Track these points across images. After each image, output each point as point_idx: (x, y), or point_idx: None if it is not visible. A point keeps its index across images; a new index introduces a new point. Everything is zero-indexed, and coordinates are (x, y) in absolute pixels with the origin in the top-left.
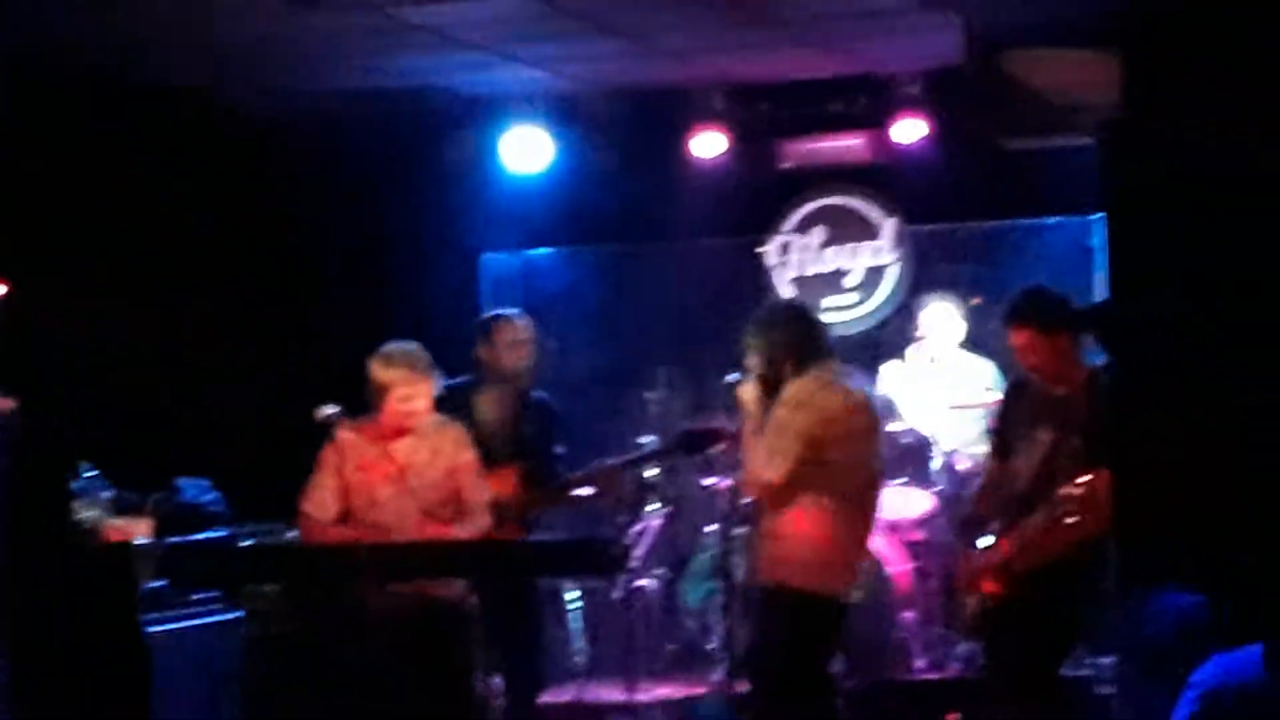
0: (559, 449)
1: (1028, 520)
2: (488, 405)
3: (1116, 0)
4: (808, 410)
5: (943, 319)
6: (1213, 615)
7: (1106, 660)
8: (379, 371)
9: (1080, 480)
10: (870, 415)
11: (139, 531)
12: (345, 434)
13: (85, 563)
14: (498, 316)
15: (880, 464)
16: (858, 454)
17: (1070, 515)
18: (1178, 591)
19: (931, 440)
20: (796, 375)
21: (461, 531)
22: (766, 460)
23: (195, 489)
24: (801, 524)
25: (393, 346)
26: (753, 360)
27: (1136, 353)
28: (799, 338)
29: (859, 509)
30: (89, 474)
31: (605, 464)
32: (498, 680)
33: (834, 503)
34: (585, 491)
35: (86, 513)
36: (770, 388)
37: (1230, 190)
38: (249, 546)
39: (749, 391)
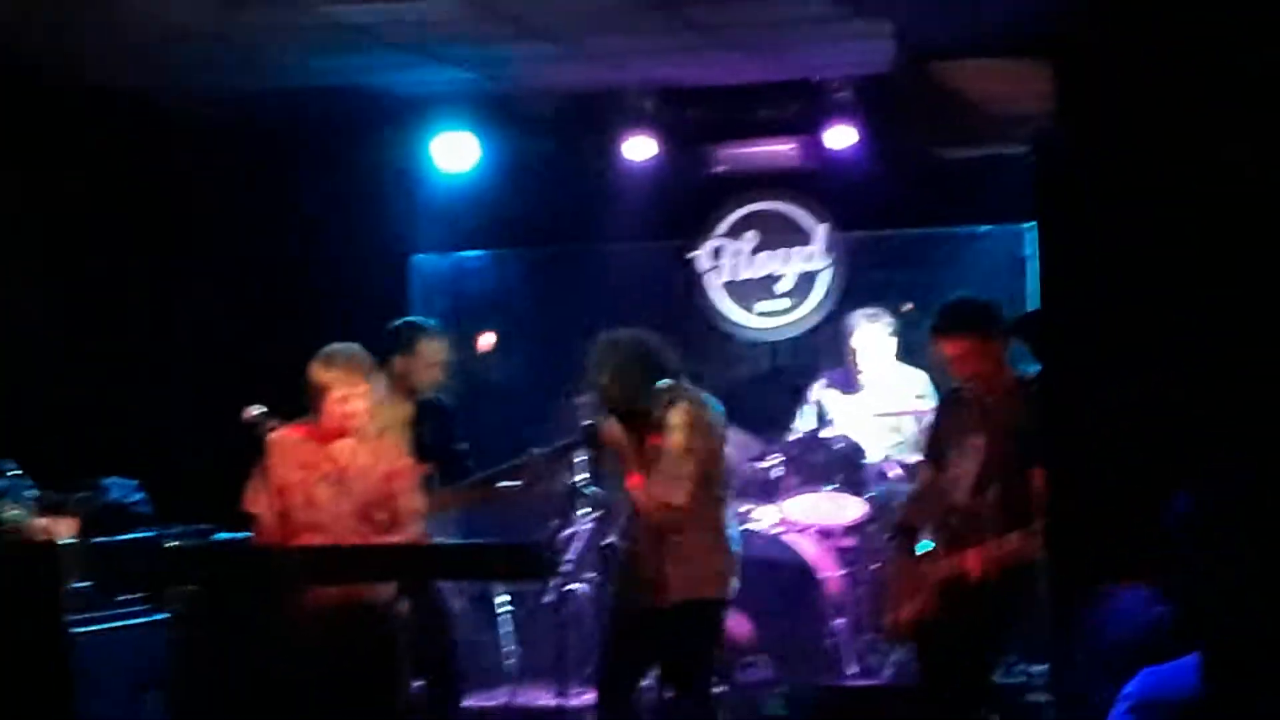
0: (461, 446)
1: (988, 545)
2: (388, 407)
3: (1048, 10)
4: (698, 431)
5: (872, 335)
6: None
7: (1039, 668)
8: (319, 372)
9: (1037, 524)
10: (723, 423)
11: (63, 531)
12: (285, 434)
13: (9, 562)
14: (422, 329)
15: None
16: (728, 462)
17: (1031, 555)
18: (1127, 591)
19: (862, 448)
20: (661, 399)
21: (395, 538)
22: (670, 486)
23: (121, 489)
24: (706, 538)
25: (334, 347)
26: (605, 393)
27: (1068, 360)
28: (651, 365)
29: (726, 512)
30: (12, 472)
31: (518, 460)
32: (418, 685)
33: (721, 510)
34: (506, 484)
35: (10, 511)
36: (628, 416)
37: (1160, 199)
38: (175, 547)
39: (613, 428)
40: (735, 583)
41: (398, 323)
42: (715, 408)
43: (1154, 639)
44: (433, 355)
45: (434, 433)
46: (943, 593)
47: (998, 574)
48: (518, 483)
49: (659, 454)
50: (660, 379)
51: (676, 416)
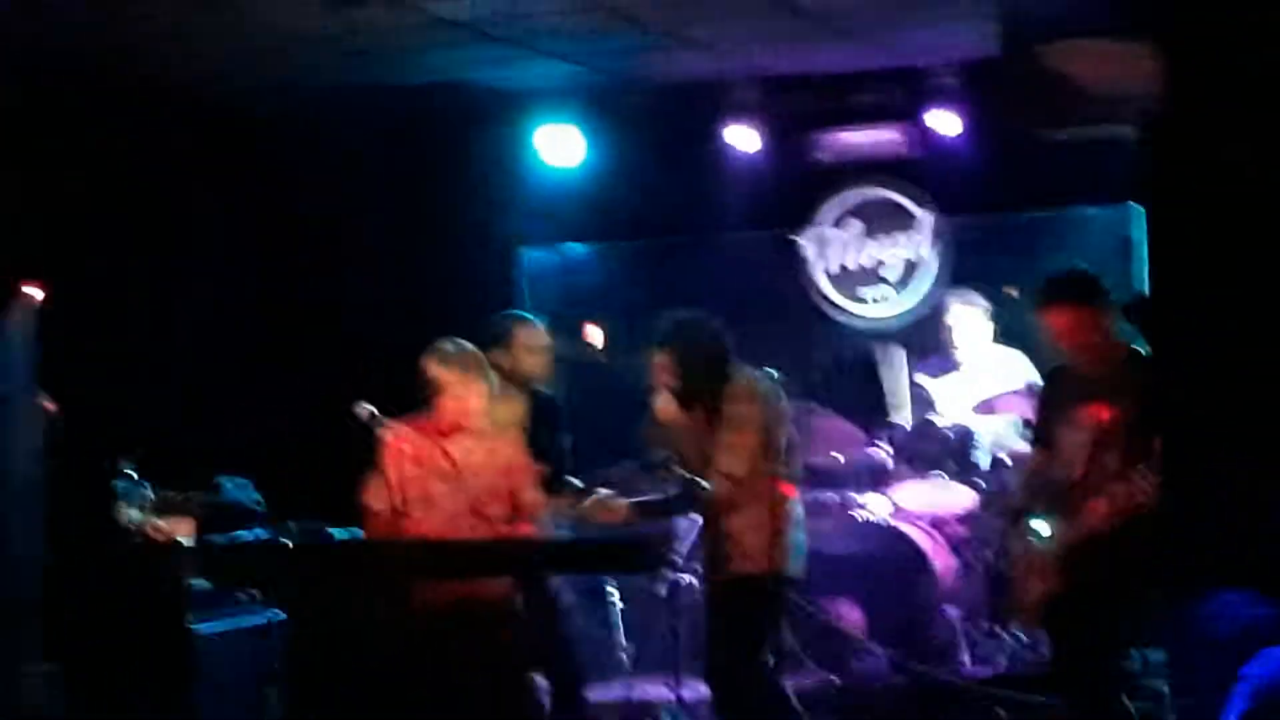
0: (565, 442)
1: (1090, 506)
2: (502, 412)
3: None
4: (755, 405)
5: (971, 317)
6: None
7: (1157, 653)
8: (435, 369)
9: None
10: (785, 400)
11: (181, 531)
12: (401, 430)
13: (128, 563)
14: (514, 318)
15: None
16: (789, 438)
17: (1137, 495)
18: (1230, 591)
19: (973, 433)
20: (716, 379)
21: (523, 531)
22: (731, 455)
23: (237, 488)
24: (763, 514)
25: (448, 344)
26: (665, 375)
27: (1178, 345)
28: (712, 346)
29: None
30: (131, 474)
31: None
32: (539, 679)
33: (780, 486)
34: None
35: (129, 513)
36: (687, 399)
37: (1271, 178)
38: (290, 545)
39: (668, 406)
40: (795, 561)
41: (492, 317)
42: (773, 385)
43: (1256, 640)
44: (530, 343)
45: (548, 433)
46: (1065, 568)
47: (1118, 536)
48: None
49: (718, 431)
50: (720, 361)
51: (736, 389)
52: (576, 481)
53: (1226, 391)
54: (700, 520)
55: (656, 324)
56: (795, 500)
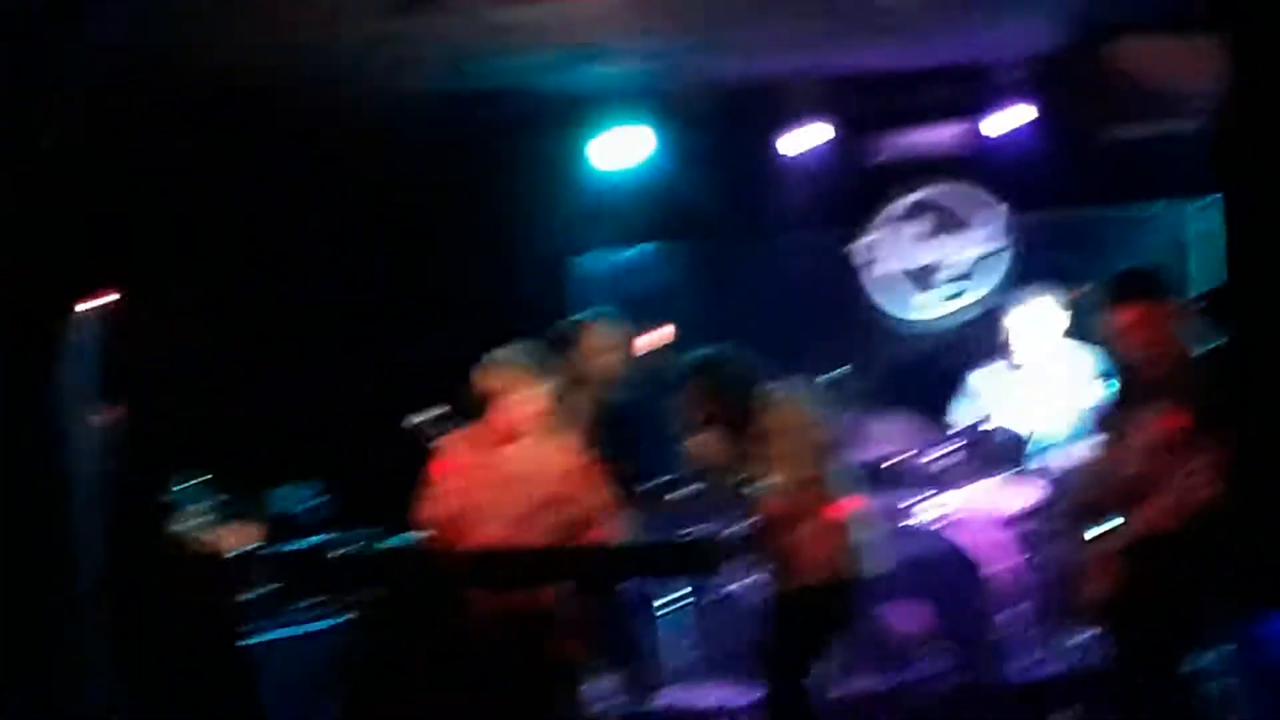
0: (637, 455)
1: (1155, 499)
2: (573, 411)
3: None
4: (794, 415)
5: (1042, 313)
6: None
7: (1216, 655)
8: (485, 380)
9: (1207, 458)
10: (816, 408)
11: (244, 539)
12: (455, 439)
13: (193, 571)
14: (581, 321)
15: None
16: (827, 441)
17: (1198, 490)
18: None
19: (1028, 435)
20: (749, 406)
21: (579, 538)
22: (781, 468)
23: (299, 496)
24: (814, 526)
25: (500, 353)
26: (701, 412)
27: (1254, 336)
28: (738, 376)
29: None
30: (194, 481)
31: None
32: (605, 686)
33: (835, 493)
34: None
35: (192, 520)
36: (725, 429)
37: None
38: (351, 553)
39: (708, 443)
40: (866, 562)
41: (559, 323)
42: (806, 396)
43: None
44: (599, 344)
45: (618, 437)
46: (1126, 567)
47: (1180, 534)
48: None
49: (761, 455)
50: (748, 388)
51: (771, 410)
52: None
53: None
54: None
55: (683, 361)
56: (858, 504)
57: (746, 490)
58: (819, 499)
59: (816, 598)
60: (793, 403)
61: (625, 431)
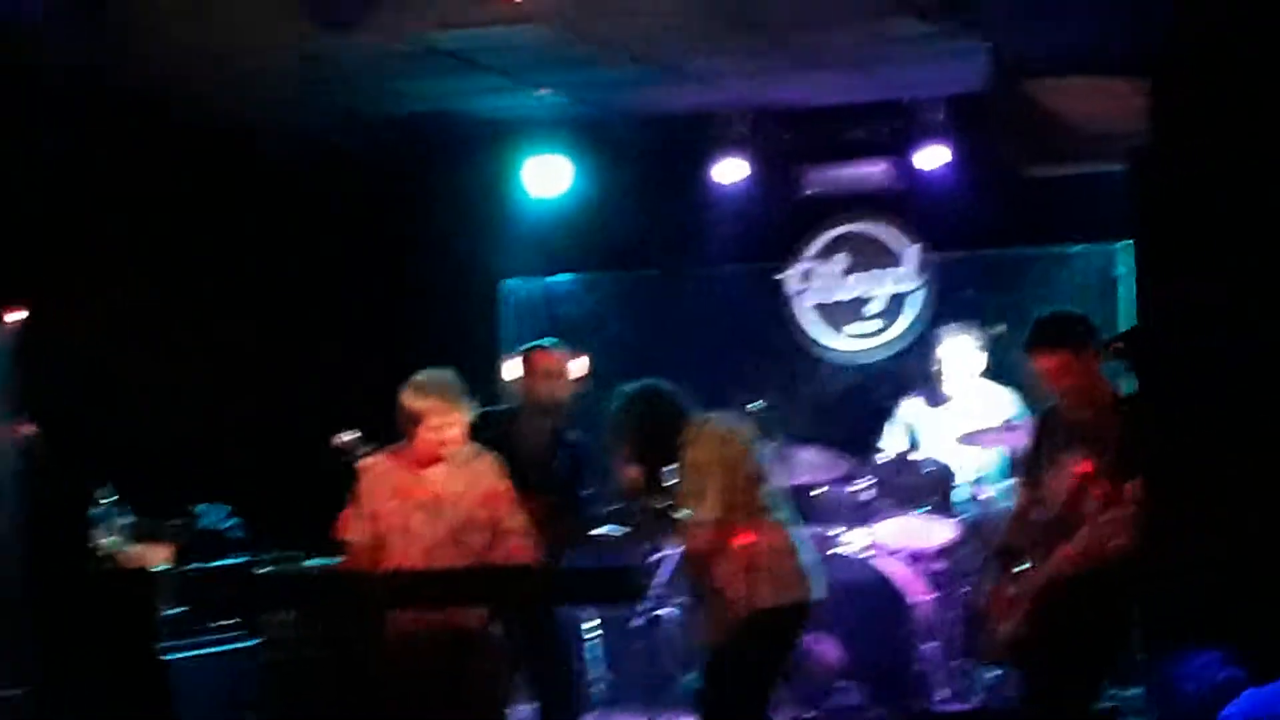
0: (587, 491)
1: (1067, 544)
2: (524, 435)
3: (1144, 26)
4: (710, 447)
5: (962, 351)
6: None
7: (1133, 691)
8: (412, 400)
9: (1121, 504)
10: (746, 437)
11: (158, 558)
12: (379, 460)
13: (105, 589)
14: (533, 346)
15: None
16: (755, 471)
17: (1111, 537)
18: (1202, 651)
19: (952, 470)
20: (672, 440)
21: (497, 560)
22: (697, 503)
23: (215, 515)
24: (747, 546)
25: (425, 375)
26: (627, 449)
27: (1165, 379)
28: (659, 412)
29: (775, 520)
30: (108, 500)
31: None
32: (526, 711)
33: (761, 519)
34: (612, 531)
35: (106, 539)
36: (651, 464)
37: (1258, 214)
38: (268, 573)
39: (628, 476)
40: (803, 588)
41: (519, 348)
42: (726, 424)
43: (1221, 702)
44: (546, 366)
45: (567, 469)
46: (1038, 607)
47: (1091, 578)
48: (624, 529)
49: (688, 486)
50: (675, 421)
51: (687, 440)
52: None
53: (1213, 432)
54: (677, 553)
55: (614, 396)
56: (792, 530)
57: (672, 520)
58: (745, 530)
59: (751, 631)
60: (719, 434)
61: (572, 465)
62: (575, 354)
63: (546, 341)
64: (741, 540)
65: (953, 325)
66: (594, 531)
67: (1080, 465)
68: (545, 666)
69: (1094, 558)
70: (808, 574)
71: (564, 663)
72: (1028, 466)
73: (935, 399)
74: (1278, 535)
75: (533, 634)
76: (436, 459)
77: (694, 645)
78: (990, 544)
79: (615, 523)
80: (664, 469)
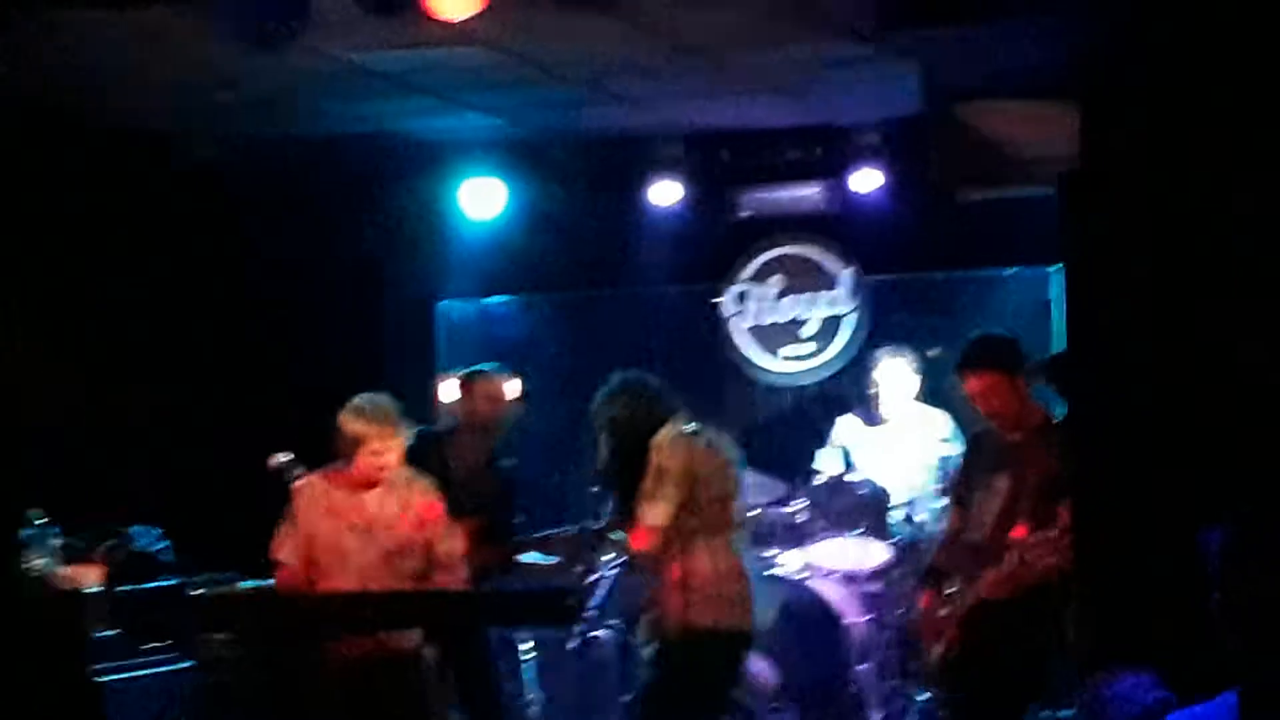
0: (518, 518)
1: (995, 566)
2: (459, 457)
3: (1076, 52)
4: (675, 455)
5: (897, 373)
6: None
7: (1065, 714)
8: (351, 424)
9: (1049, 527)
10: (725, 453)
11: (89, 580)
12: (314, 482)
13: (36, 611)
14: (476, 372)
15: (738, 501)
16: (725, 490)
17: (1039, 560)
18: (1130, 674)
19: (887, 492)
20: (650, 436)
21: (445, 582)
22: (650, 508)
23: (146, 537)
24: (696, 564)
25: (364, 399)
26: (605, 436)
27: (1094, 403)
28: (646, 407)
29: (732, 542)
30: (38, 521)
31: (554, 534)
32: None
33: (718, 539)
34: (539, 560)
35: (36, 561)
36: (627, 455)
37: (1187, 239)
38: (201, 595)
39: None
40: (745, 614)
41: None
42: (704, 436)
43: None
44: (487, 393)
45: (498, 493)
46: (966, 630)
47: (1020, 600)
48: (552, 559)
49: (649, 491)
50: (656, 418)
51: (657, 440)
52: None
53: (1139, 459)
54: (613, 575)
55: (599, 388)
56: (745, 556)
57: (609, 541)
58: (701, 548)
59: (686, 649)
60: (696, 445)
61: (503, 491)
62: (511, 376)
63: (488, 366)
64: (693, 558)
65: (888, 347)
66: (522, 558)
67: (1008, 485)
68: (476, 689)
69: (1021, 581)
70: (752, 602)
71: (494, 685)
72: (958, 489)
73: (871, 420)
74: (1205, 557)
75: (463, 656)
76: (374, 483)
77: (630, 667)
78: (923, 566)
79: (542, 550)
80: (635, 466)
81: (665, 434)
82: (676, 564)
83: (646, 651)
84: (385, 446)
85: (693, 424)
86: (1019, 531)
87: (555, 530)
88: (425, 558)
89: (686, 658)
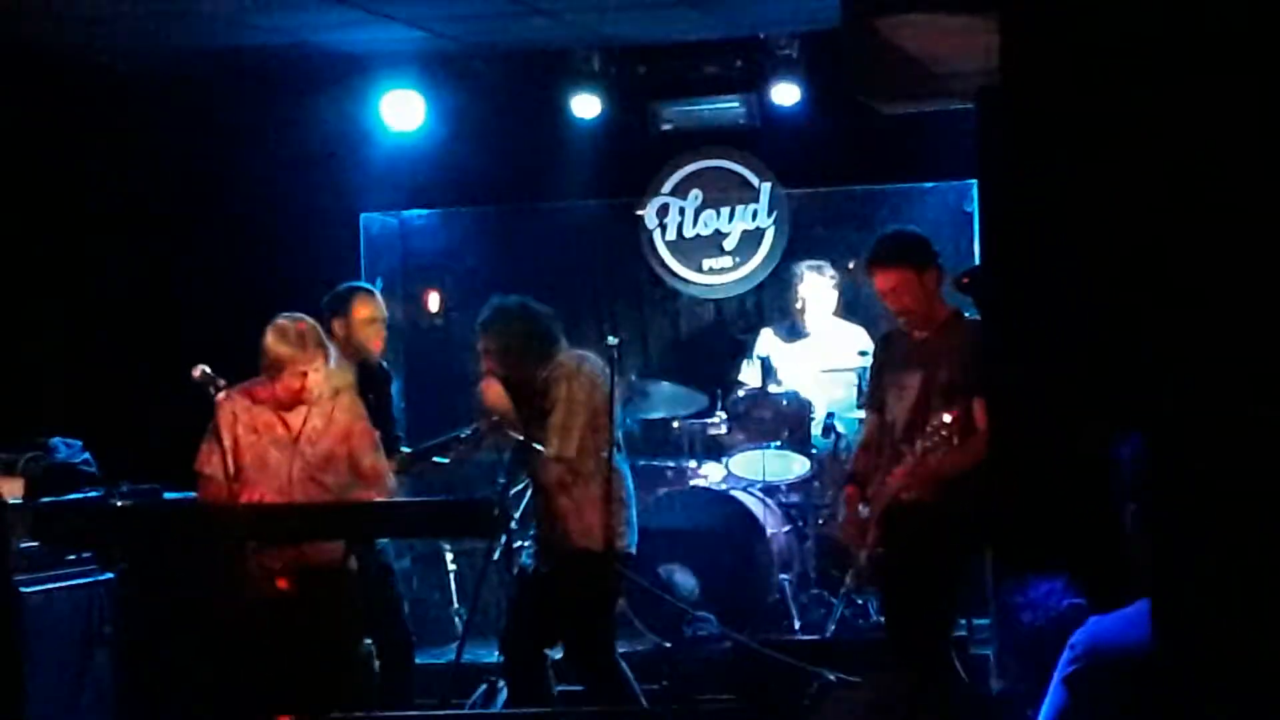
0: (395, 410)
1: (899, 462)
2: (336, 378)
3: None
4: (580, 386)
5: (818, 287)
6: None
7: (982, 621)
8: (275, 347)
9: (952, 411)
10: (605, 376)
11: (11, 491)
12: (237, 396)
13: None
14: (356, 289)
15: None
16: (609, 413)
17: (944, 442)
18: (1043, 579)
19: (809, 403)
20: (539, 364)
21: (369, 495)
22: (561, 438)
23: (67, 449)
24: (596, 492)
25: (286, 320)
26: (491, 360)
27: (1008, 316)
28: (534, 331)
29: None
30: None
31: (444, 439)
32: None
33: (611, 464)
34: (438, 460)
35: None
36: (513, 384)
37: (1104, 154)
38: (122, 506)
39: (495, 391)
40: (631, 538)
41: (336, 288)
42: (597, 365)
43: (1063, 630)
44: (366, 313)
45: (378, 400)
46: (885, 526)
47: (935, 503)
48: (445, 459)
49: (545, 414)
50: (546, 345)
51: (562, 370)
52: (406, 448)
53: (1051, 370)
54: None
55: (483, 310)
56: (626, 475)
57: (523, 452)
58: (600, 467)
59: (593, 567)
60: (582, 367)
61: (382, 395)
62: (432, 289)
63: (368, 285)
64: (589, 481)
65: (809, 261)
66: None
67: (919, 383)
68: (377, 600)
69: (925, 475)
70: (633, 526)
71: (392, 597)
72: (871, 391)
73: (793, 334)
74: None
75: (365, 568)
76: (298, 402)
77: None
78: (841, 472)
79: (441, 454)
80: (527, 389)
81: (564, 363)
82: (578, 489)
83: (542, 569)
84: (308, 367)
85: (578, 351)
86: (932, 426)
87: (452, 434)
88: (349, 471)
89: (581, 575)
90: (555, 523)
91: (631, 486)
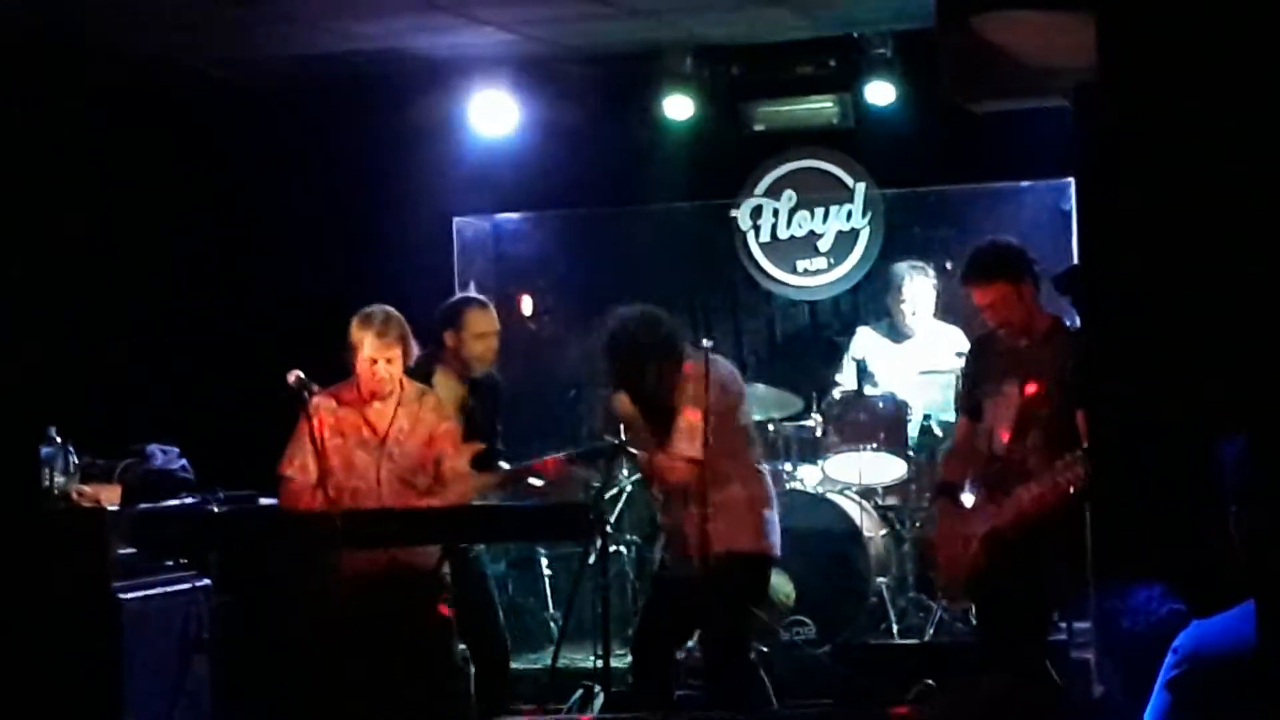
0: (499, 426)
1: (1025, 487)
2: (442, 385)
3: None
4: (706, 384)
5: (919, 288)
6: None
7: (1083, 624)
8: (354, 331)
9: (1078, 451)
10: (740, 378)
11: (108, 498)
12: (323, 399)
13: (55, 530)
14: (470, 302)
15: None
16: (749, 415)
17: (1071, 484)
18: (1142, 585)
19: (906, 405)
20: (665, 370)
21: (445, 498)
22: (688, 440)
23: (164, 455)
24: (734, 493)
25: (372, 308)
26: (615, 371)
27: (1108, 317)
28: (657, 338)
29: (757, 464)
30: (57, 440)
31: (552, 457)
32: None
33: (748, 466)
34: (534, 482)
35: (56, 479)
36: (640, 392)
37: (1204, 151)
38: (219, 513)
39: (624, 403)
40: (775, 538)
41: (447, 301)
42: (725, 366)
43: (1163, 636)
44: (479, 327)
45: (485, 413)
46: (990, 546)
47: (1043, 517)
48: (541, 482)
49: (671, 417)
50: (668, 351)
51: (684, 376)
52: (504, 465)
53: (1155, 372)
54: (630, 490)
55: (600, 322)
56: (766, 475)
57: (648, 455)
58: (732, 469)
59: (729, 569)
60: (709, 368)
61: (493, 410)
62: (526, 292)
63: (481, 298)
64: (721, 484)
65: (910, 262)
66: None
67: (1022, 394)
68: (471, 606)
69: (1054, 499)
70: (774, 526)
71: (487, 603)
72: (967, 399)
73: (890, 334)
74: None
75: (460, 574)
76: (376, 394)
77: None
78: (939, 480)
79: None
80: (655, 398)
81: (691, 365)
82: (710, 492)
83: (679, 572)
84: (379, 357)
85: (704, 352)
86: (1038, 440)
87: (573, 450)
88: (434, 474)
89: (727, 576)
90: (692, 526)
91: (771, 492)
